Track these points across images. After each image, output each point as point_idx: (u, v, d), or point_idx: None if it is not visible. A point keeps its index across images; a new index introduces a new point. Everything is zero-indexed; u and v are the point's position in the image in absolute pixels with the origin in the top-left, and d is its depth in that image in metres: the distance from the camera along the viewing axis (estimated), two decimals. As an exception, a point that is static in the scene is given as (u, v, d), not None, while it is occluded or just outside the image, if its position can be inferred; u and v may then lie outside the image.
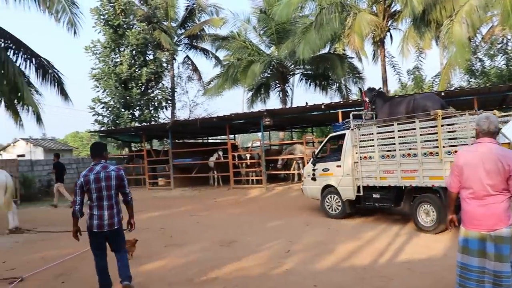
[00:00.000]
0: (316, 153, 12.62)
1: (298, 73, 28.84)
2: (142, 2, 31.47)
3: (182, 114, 35.74)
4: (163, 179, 24.99)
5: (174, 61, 33.02)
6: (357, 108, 17.47)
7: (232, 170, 20.54)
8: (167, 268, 7.40)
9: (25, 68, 15.16)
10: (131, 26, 28.92)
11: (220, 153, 21.15)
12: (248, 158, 21.49)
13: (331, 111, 17.35)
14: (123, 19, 28.19)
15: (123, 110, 27.96)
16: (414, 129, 9.29)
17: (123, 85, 28.34)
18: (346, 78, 27.15)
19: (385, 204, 10.39)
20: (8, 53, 14.66)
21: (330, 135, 12.81)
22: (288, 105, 27.78)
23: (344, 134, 11.42)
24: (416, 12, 19.01)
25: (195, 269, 7.15)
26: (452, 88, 21.47)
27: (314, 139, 22.86)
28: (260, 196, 17.38)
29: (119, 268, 5.99)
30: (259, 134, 22.88)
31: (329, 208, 11.80)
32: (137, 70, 28.32)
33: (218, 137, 31.02)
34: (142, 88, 29.29)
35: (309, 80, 28.38)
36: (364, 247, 8.25)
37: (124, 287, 5.90)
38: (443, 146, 8.75)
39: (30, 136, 47.40)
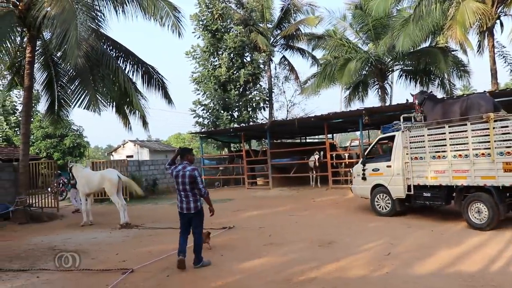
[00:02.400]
0: (365, 153, 13.19)
1: (397, 69, 27.76)
2: (238, 5, 32.17)
3: (279, 114, 36.04)
4: (262, 178, 25.36)
5: (271, 62, 33.31)
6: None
7: (331, 170, 20.30)
8: (266, 266, 7.44)
9: (133, 74, 16.27)
10: (228, 30, 29.70)
11: (317, 156, 20.98)
12: (346, 157, 21.11)
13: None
14: (221, 24, 29.05)
15: (222, 111, 28.78)
16: (465, 131, 9.69)
17: (222, 87, 29.18)
18: (449, 73, 25.60)
19: (436, 202, 10.82)
20: (119, 62, 15.79)
21: (380, 136, 13.21)
22: (387, 103, 26.87)
23: (394, 136, 11.84)
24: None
25: (293, 269, 7.12)
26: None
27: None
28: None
29: (193, 248, 7.46)
30: (358, 133, 22.37)
31: (379, 207, 12.25)
32: (235, 72, 29.01)
33: (316, 136, 30.81)
34: (240, 90, 29.94)
35: (409, 76, 27.14)
36: (472, 252, 7.69)
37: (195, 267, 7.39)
38: (495, 148, 9.06)
39: (137, 138, 50.56)
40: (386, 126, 13.04)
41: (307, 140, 31.11)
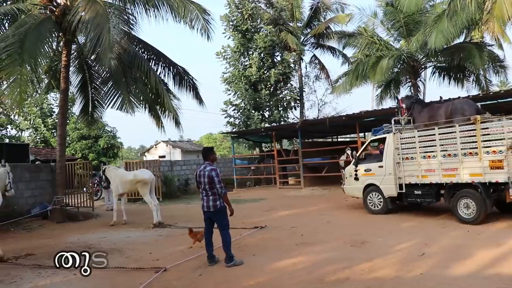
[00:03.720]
0: (357, 155, 13.76)
1: (430, 66, 27.14)
2: (268, 5, 32.17)
3: (310, 114, 35.82)
4: (293, 178, 25.29)
5: (301, 61, 33.15)
6: (499, 100, 16.07)
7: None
8: (298, 266, 7.42)
9: (164, 76, 16.53)
10: (258, 30, 29.77)
11: (349, 152, 20.79)
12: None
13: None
14: (251, 24, 29.14)
15: (253, 111, 28.85)
16: (454, 132, 10.48)
17: (252, 87, 29.26)
18: (485, 68, 24.83)
19: (426, 199, 11.54)
20: (151, 64, 16.04)
21: (371, 138, 13.81)
22: (421, 100, 26.34)
23: (385, 138, 12.48)
24: None
25: (325, 269, 7.07)
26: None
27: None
28: (393, 196, 16.70)
29: (222, 246, 7.67)
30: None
31: (371, 205, 12.88)
32: (265, 72, 29.04)
33: (348, 135, 30.51)
34: (271, 89, 29.94)
35: (443, 73, 26.48)
36: (511, 254, 7.45)
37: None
38: (482, 147, 9.88)
39: (169, 139, 50.97)
40: (376, 128, 13.66)
41: (339, 139, 30.86)
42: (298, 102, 31.79)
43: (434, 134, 10.96)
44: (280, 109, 30.44)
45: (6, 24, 14.42)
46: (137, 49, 15.99)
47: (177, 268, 7.63)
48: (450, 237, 9.02)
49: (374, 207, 12.78)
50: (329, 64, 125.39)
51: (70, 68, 15.86)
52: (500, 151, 9.64)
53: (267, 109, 29.98)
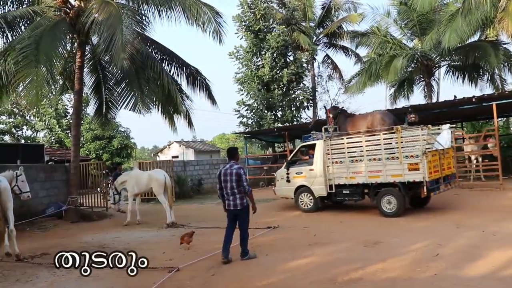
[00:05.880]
0: (289, 159, 14.89)
1: (444, 65, 26.86)
2: (280, 5, 32.16)
3: (323, 114, 35.65)
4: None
5: (314, 60, 33.03)
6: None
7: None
8: (310, 266, 7.40)
9: (177, 76, 16.61)
10: (271, 30, 29.74)
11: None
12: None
13: (484, 104, 15.93)
14: (263, 24, 29.12)
15: (266, 111, 28.84)
16: (379, 139, 12.06)
17: (265, 87, 29.25)
18: (500, 67, 24.47)
19: (353, 197, 13.06)
20: (163, 64, 16.13)
21: (301, 144, 15.09)
22: (434, 100, 26.07)
23: (315, 144, 13.76)
24: None
25: (338, 269, 7.05)
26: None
27: (464, 135, 20.88)
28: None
29: (240, 242, 7.98)
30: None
31: (303, 204, 14.03)
32: (278, 72, 29.01)
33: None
34: (284, 89, 29.91)
35: (457, 72, 26.21)
36: (529, 254, 7.31)
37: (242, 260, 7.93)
38: (402, 152, 11.62)
39: (182, 139, 51.18)
40: (305, 136, 14.99)
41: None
42: (311, 102, 31.69)
43: (361, 141, 12.45)
44: (292, 109, 30.38)
45: (22, 26, 14.59)
46: (150, 50, 16.09)
47: (190, 267, 7.67)
48: (465, 237, 8.91)
49: (305, 206, 13.94)
50: (342, 63, 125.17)
51: (84, 70, 15.99)
52: (417, 155, 11.39)
53: (280, 109, 29.94)
